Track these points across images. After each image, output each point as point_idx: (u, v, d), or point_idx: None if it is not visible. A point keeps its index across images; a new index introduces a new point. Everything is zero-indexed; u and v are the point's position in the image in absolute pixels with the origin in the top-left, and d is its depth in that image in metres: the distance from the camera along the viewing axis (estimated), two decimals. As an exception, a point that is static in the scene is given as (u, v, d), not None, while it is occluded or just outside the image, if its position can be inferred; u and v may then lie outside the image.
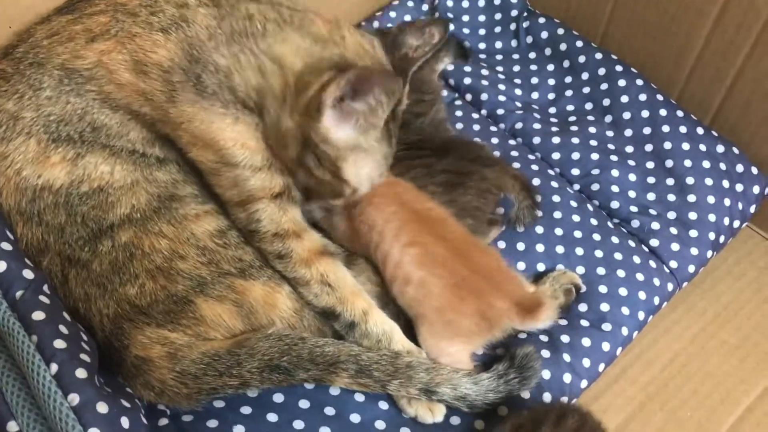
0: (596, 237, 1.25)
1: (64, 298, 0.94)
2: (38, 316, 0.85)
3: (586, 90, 1.48)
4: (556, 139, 1.39)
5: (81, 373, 0.82)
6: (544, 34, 1.55)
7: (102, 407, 0.81)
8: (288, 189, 0.98)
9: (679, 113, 1.40)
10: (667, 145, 1.36)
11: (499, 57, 1.58)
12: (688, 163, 1.33)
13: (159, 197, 0.97)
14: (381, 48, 0.98)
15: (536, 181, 1.31)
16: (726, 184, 1.32)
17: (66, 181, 0.93)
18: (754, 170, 1.35)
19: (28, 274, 0.89)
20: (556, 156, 1.38)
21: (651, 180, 1.34)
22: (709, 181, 1.31)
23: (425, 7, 1.62)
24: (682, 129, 1.37)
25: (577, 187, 1.35)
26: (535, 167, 1.34)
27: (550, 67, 1.53)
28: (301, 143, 0.92)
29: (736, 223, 1.32)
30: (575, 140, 1.38)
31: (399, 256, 1.02)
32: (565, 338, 1.12)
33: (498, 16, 1.62)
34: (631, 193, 1.32)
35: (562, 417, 0.93)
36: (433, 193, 1.12)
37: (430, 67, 1.40)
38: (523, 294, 1.03)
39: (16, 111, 0.93)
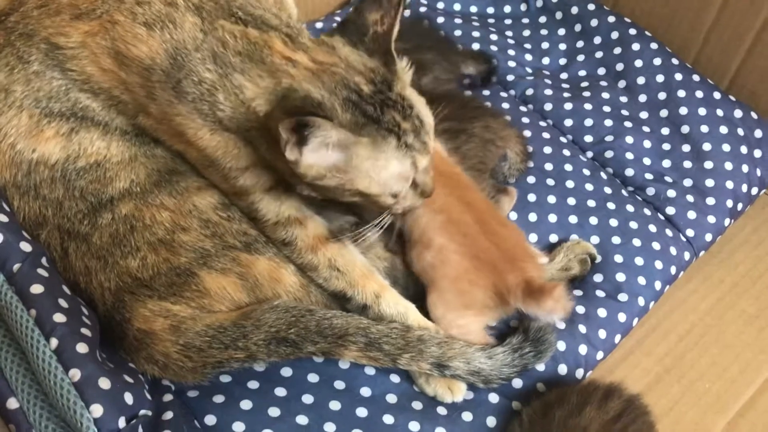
0: (611, 206, 1.21)
1: (64, 272, 0.92)
2: (37, 289, 0.83)
3: (599, 55, 1.44)
4: (568, 106, 1.35)
5: (82, 348, 0.80)
6: (555, -2, 1.51)
7: (104, 383, 0.78)
8: (280, 180, 0.94)
9: (695, 77, 1.36)
10: (683, 111, 1.33)
11: (508, 21, 1.53)
12: (704, 128, 1.30)
13: (159, 171, 0.95)
14: (345, 44, 0.89)
15: (548, 149, 1.27)
16: (744, 150, 1.29)
17: (62, 156, 0.91)
18: (773, 135, 1.31)
19: (25, 246, 0.87)
20: (568, 123, 1.34)
21: (666, 146, 1.30)
22: (726, 147, 1.28)
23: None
24: (699, 94, 1.34)
25: (590, 154, 1.31)
26: (546, 135, 1.31)
27: (561, 32, 1.49)
28: (308, 185, 0.88)
29: (754, 190, 1.29)
30: (588, 106, 1.34)
31: (427, 221, 1.00)
32: (580, 309, 1.09)
33: (506, -21, 1.57)
34: (646, 160, 1.29)
35: (607, 398, 0.92)
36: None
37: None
38: (537, 276, 1.00)
39: (7, 84, 0.91)
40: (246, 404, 0.93)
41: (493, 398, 1.00)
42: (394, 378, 1.00)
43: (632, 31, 1.42)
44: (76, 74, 0.89)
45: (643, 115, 1.34)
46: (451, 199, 1.01)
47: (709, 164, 1.27)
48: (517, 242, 1.04)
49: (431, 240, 1.00)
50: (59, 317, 0.81)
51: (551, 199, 1.22)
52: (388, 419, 0.95)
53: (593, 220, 1.19)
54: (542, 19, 1.52)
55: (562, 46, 1.48)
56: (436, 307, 1.00)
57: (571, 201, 1.22)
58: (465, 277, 0.98)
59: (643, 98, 1.37)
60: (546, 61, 1.47)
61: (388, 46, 0.89)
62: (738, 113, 1.32)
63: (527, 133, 1.29)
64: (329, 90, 0.83)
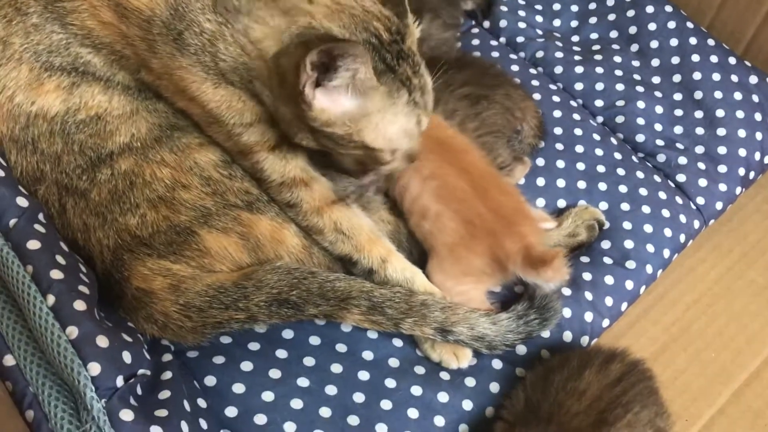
0: (620, 172, 1.19)
1: (62, 229, 0.91)
2: (33, 245, 0.81)
3: (612, 17, 1.40)
4: (579, 69, 1.32)
5: (79, 305, 0.78)
6: (567, -42, 1.47)
7: (102, 341, 0.77)
8: (286, 138, 0.92)
9: (710, 42, 1.33)
10: (697, 76, 1.30)
11: (518, -19, 1.49)
12: (718, 94, 1.27)
13: (160, 126, 0.93)
14: None
15: (557, 113, 1.25)
16: (758, 117, 1.26)
17: (61, 108, 0.89)
18: (789, 103, 1.28)
19: (22, 201, 0.85)
20: (578, 86, 1.31)
21: (678, 112, 1.27)
22: (740, 114, 1.25)
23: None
24: (713, 59, 1.31)
25: (600, 119, 1.29)
26: (556, 98, 1.28)
27: (573, -6, 1.45)
28: (309, 131, 0.85)
29: (767, 159, 1.26)
30: (599, 70, 1.31)
31: (419, 189, 0.99)
32: (587, 276, 1.07)
33: (517, -61, 1.53)
34: (658, 126, 1.26)
35: (608, 362, 0.90)
36: (455, 110, 1.07)
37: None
38: (536, 243, 0.98)
39: (5, 36, 0.89)
40: (246, 365, 0.92)
41: (497, 364, 0.99)
42: (397, 342, 0.99)
43: (646, -7, 1.38)
44: (77, 29, 0.87)
45: (656, 79, 1.31)
46: (444, 164, 1.00)
47: (722, 131, 1.24)
48: (515, 207, 1.01)
49: (427, 208, 0.99)
50: (56, 274, 0.79)
51: (560, 163, 1.19)
52: (390, 383, 0.94)
53: (602, 186, 1.17)
54: (554, -21, 1.48)
55: (574, 8, 1.44)
56: (435, 274, 0.99)
57: (581, 166, 1.19)
58: (461, 243, 0.97)
59: (656, 63, 1.33)
60: (557, 23, 1.43)
61: None
62: (753, 79, 1.29)
63: (537, 96, 1.26)
64: (350, 31, 0.81)
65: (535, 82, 1.30)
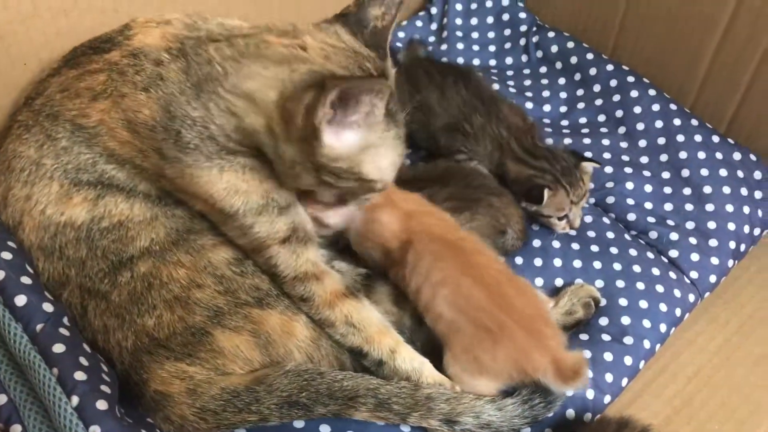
0: (614, 250, 1.24)
1: (83, 330, 0.95)
2: (59, 348, 0.86)
3: (599, 102, 1.48)
4: (569, 153, 1.38)
5: (102, 405, 0.83)
6: (554, 48, 1.56)
7: (123, 438, 0.81)
8: (295, 231, 0.98)
9: (694, 122, 1.39)
10: (683, 155, 1.36)
11: (510, 72, 1.58)
12: (704, 171, 1.33)
13: (177, 230, 0.98)
14: (347, 33, 0.92)
15: (551, 196, 1.30)
16: (744, 191, 1.31)
17: (87, 218, 0.95)
18: (773, 177, 1.34)
19: (47, 307, 0.90)
20: (569, 170, 1.37)
21: (668, 190, 1.33)
22: (726, 190, 1.30)
23: (434, 26, 1.63)
24: (697, 138, 1.37)
25: (592, 200, 1.34)
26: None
27: (562, 81, 1.54)
28: (313, 167, 0.89)
29: (757, 231, 1.30)
30: (588, 154, 1.37)
31: (430, 295, 1.00)
32: (586, 353, 1.10)
33: (507, 31, 1.63)
34: (648, 205, 1.31)
35: (621, 428, 0.93)
36: None
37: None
38: (563, 353, 0.98)
39: (38, 158, 0.96)
40: (260, 456, 0.95)
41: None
42: (405, 427, 1.01)
43: (630, 79, 1.46)
44: (101, 149, 0.94)
45: (644, 159, 1.37)
46: (456, 271, 1.00)
47: (710, 206, 1.29)
48: (536, 313, 1.00)
49: (440, 314, 0.99)
50: (80, 375, 0.84)
51: (556, 244, 1.25)
52: (400, 469, 0.96)
53: (597, 265, 1.22)
54: (543, 69, 1.57)
55: (563, 95, 1.52)
56: (451, 367, 1.00)
57: (575, 246, 1.24)
58: (480, 348, 0.97)
59: (643, 143, 1.40)
60: (547, 108, 1.51)
61: (385, 41, 0.94)
62: (737, 155, 1.35)
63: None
64: (349, 70, 0.87)
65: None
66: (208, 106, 0.88)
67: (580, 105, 1.49)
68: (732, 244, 1.26)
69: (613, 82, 1.47)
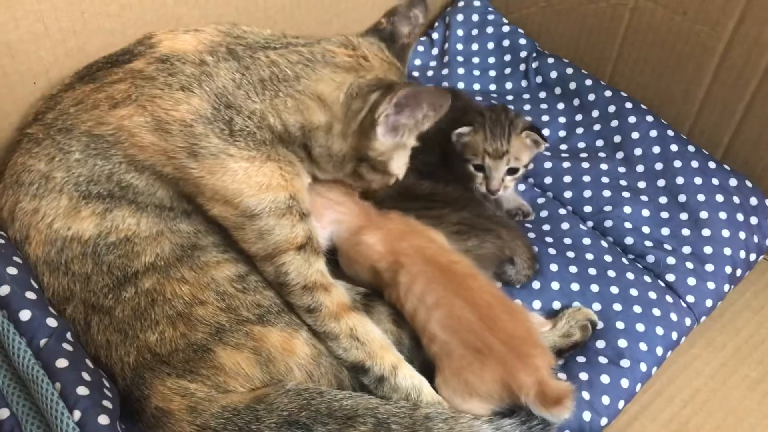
0: (611, 273, 1.25)
1: (87, 345, 0.96)
2: (62, 363, 0.87)
3: (597, 127, 1.50)
4: (567, 178, 1.41)
5: (103, 420, 0.83)
6: (554, 74, 1.58)
7: (124, 453, 0.82)
8: (310, 240, 1.00)
9: (691, 148, 1.41)
10: (680, 180, 1.37)
11: (510, 98, 1.60)
12: (701, 197, 1.34)
13: (182, 246, 1.00)
14: (386, 48, 1.09)
15: (548, 220, 1.33)
16: (740, 217, 1.32)
17: (95, 232, 0.97)
18: (768, 203, 1.35)
19: (51, 322, 0.91)
20: (568, 194, 1.39)
21: (665, 215, 1.34)
22: (723, 215, 1.32)
23: (435, 51, 1.66)
24: (694, 163, 1.38)
25: (590, 224, 1.36)
26: (547, 206, 1.36)
27: (561, 106, 1.56)
28: (356, 159, 1.03)
29: (753, 256, 1.31)
30: (587, 178, 1.40)
31: (425, 318, 1.02)
32: (583, 375, 1.12)
33: (508, 57, 1.65)
34: (645, 229, 1.33)
35: None
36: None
37: None
38: (549, 376, 0.98)
39: (48, 171, 0.98)
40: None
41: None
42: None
43: (628, 105, 1.48)
44: (121, 157, 0.97)
45: (641, 184, 1.39)
46: (449, 294, 1.02)
47: (706, 232, 1.30)
48: (525, 335, 1.01)
49: (434, 335, 1.01)
50: (82, 390, 0.85)
51: (553, 267, 1.26)
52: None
53: (594, 288, 1.23)
54: (542, 95, 1.59)
55: (562, 120, 1.54)
56: (442, 390, 1.01)
57: (573, 269, 1.26)
58: (469, 369, 0.98)
59: (640, 168, 1.41)
60: (546, 133, 1.52)
61: (407, 58, 1.14)
62: (733, 182, 1.36)
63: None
64: (402, 80, 1.07)
65: (526, 194, 1.39)
66: (274, 102, 0.98)
67: (579, 130, 1.51)
68: (728, 269, 1.27)
69: (612, 108, 1.49)
